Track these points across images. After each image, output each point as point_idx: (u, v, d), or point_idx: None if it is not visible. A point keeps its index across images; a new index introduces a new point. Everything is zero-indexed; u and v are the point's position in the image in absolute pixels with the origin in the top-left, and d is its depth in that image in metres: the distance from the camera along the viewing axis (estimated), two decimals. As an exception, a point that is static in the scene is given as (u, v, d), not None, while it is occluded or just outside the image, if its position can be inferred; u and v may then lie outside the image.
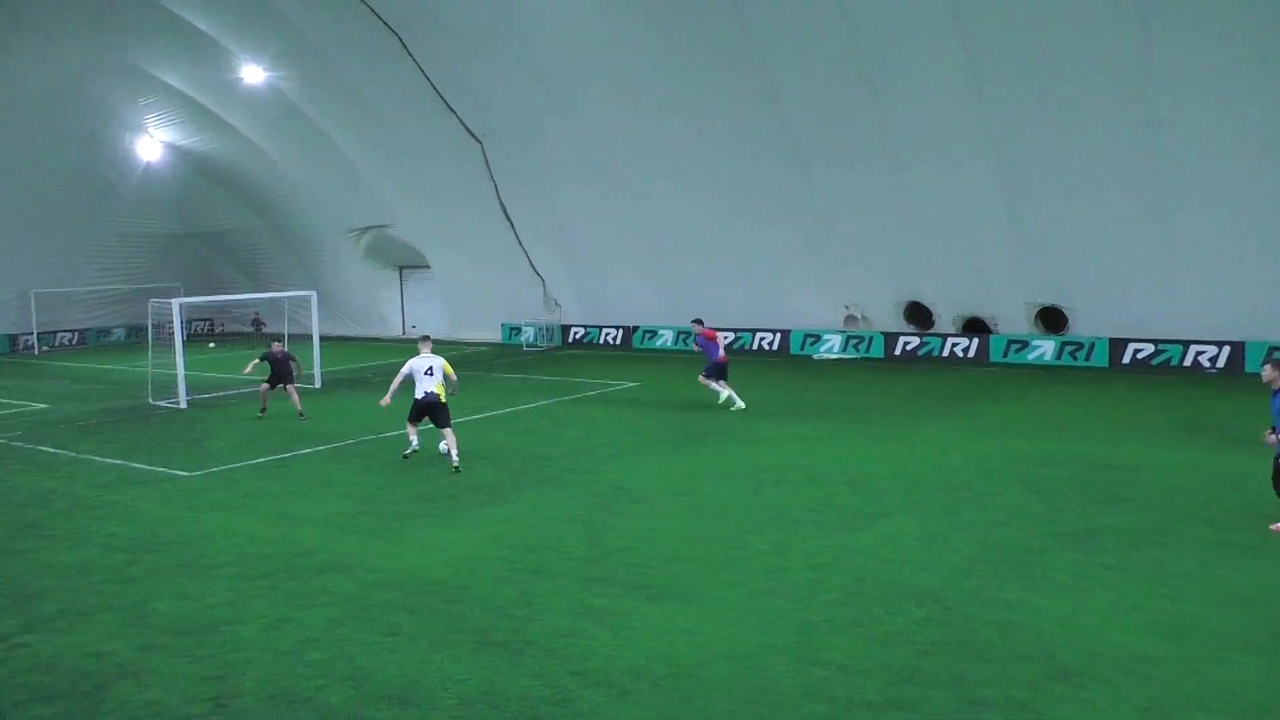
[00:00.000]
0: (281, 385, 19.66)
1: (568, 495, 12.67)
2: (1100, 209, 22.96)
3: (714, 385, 19.68)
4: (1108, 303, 24.46)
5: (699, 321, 20.52)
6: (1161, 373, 23.63)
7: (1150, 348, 24.23)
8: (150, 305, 26.44)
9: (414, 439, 14.83)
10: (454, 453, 14.13)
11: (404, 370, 14.52)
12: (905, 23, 21.95)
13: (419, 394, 14.31)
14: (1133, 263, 23.43)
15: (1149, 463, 13.79)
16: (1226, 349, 23.19)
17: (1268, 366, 10.39)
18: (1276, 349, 21.06)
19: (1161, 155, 21.54)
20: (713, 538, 10.56)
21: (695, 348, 20.74)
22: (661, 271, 31.41)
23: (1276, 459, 10.27)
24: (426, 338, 15.10)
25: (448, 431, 14.35)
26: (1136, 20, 19.76)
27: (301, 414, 19.33)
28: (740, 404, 19.26)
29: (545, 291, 34.91)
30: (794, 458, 14.70)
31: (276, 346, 20.15)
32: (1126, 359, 24.55)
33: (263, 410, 19.87)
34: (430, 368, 14.34)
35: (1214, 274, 22.59)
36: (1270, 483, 10.59)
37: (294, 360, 20.09)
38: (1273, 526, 10.24)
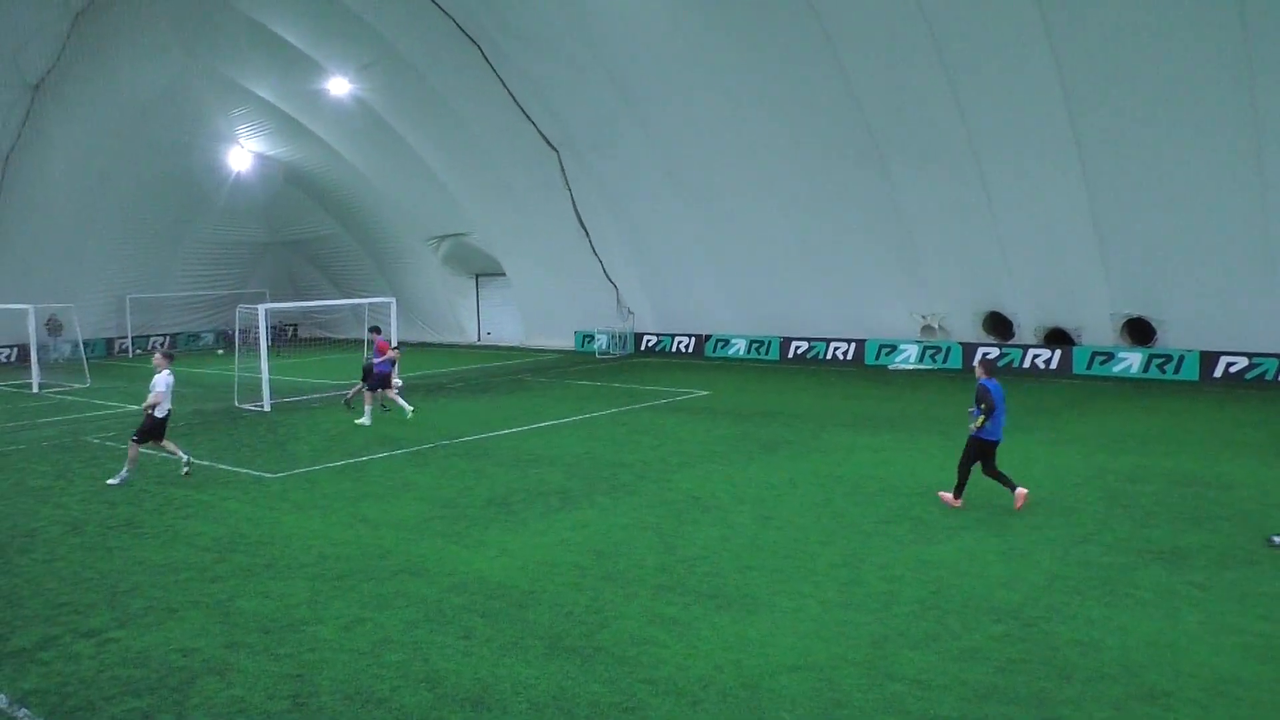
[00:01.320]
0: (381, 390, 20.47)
1: (639, 503, 12.70)
2: (1192, 217, 22.21)
3: (389, 396, 20.08)
4: (1198, 314, 23.63)
5: (376, 330, 20.93)
6: (1256, 387, 22.75)
7: (1244, 361, 23.34)
8: (238, 311, 27.24)
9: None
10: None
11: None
12: (990, 24, 21.52)
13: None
14: (1225, 273, 22.61)
15: (1241, 480, 13.28)
16: (1326, 362, 22.24)
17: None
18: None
19: (1257, 162, 20.74)
20: (784, 548, 10.48)
21: (375, 360, 20.18)
22: (735, 279, 31.32)
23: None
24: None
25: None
26: (1234, 20, 19.06)
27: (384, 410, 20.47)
28: (398, 411, 19.93)
29: (618, 299, 35.07)
30: (868, 469, 14.51)
31: (382, 341, 21.06)
32: (1218, 372, 23.69)
33: (347, 403, 21.40)
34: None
35: (1313, 284, 21.69)
36: None
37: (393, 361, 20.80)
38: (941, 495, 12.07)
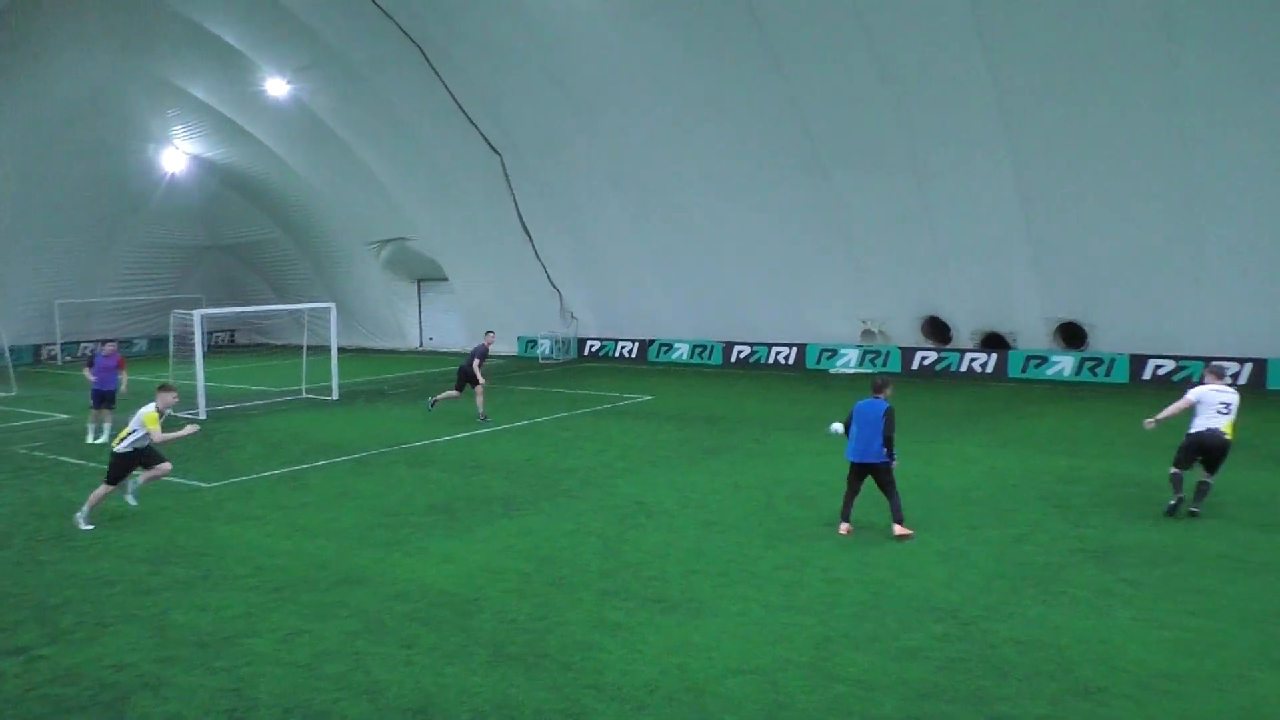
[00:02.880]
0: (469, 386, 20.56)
1: (583, 508, 12.67)
2: (1122, 224, 22.81)
3: (94, 422, 19.10)
4: (1128, 318, 24.28)
5: (104, 344, 20.43)
6: (1183, 389, 23.30)
7: (1171, 364, 24.02)
8: (172, 316, 26.66)
9: None
10: None
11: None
12: (928, 35, 21.90)
13: None
14: (1154, 278, 23.26)
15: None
16: (1249, 366, 22.97)
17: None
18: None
19: (1185, 170, 21.39)
20: (728, 552, 10.53)
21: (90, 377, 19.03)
22: (679, 284, 31.43)
23: None
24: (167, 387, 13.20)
25: None
26: (1162, 34, 19.63)
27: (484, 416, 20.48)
28: (97, 439, 18.64)
29: (562, 304, 34.99)
30: (810, 472, 14.65)
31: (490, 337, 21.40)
32: (1147, 375, 24.35)
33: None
34: None
35: (1237, 290, 22.39)
36: None
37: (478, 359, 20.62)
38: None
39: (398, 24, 28.52)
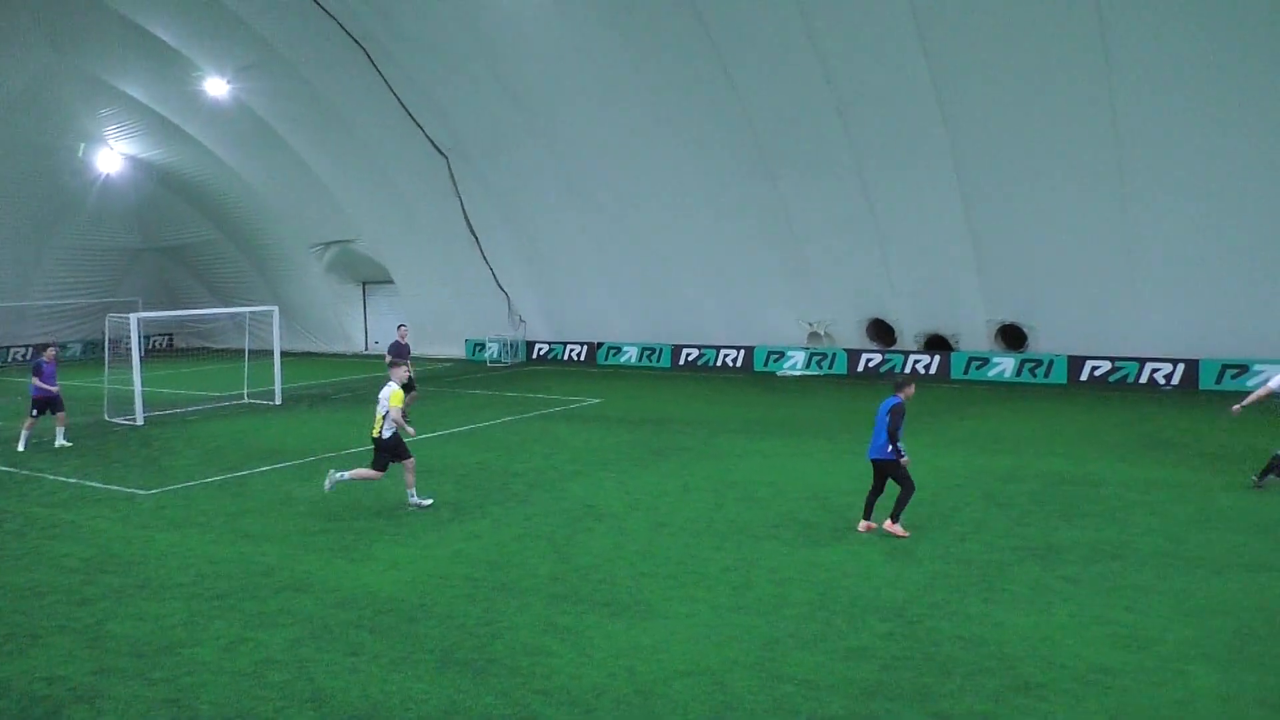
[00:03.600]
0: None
1: (532, 512, 12.61)
2: (1062, 228, 23.34)
3: (28, 429, 18.22)
4: (1067, 321, 24.84)
5: (44, 348, 18.98)
6: (1119, 389, 24.00)
7: (1107, 365, 24.61)
8: (107, 320, 26.04)
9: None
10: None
11: None
12: (872, 43, 22.21)
13: None
14: (1091, 282, 23.83)
15: (1108, 478, 13.98)
16: (1181, 366, 23.62)
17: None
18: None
19: (1123, 176, 21.95)
20: (677, 554, 10.55)
21: (38, 383, 18.11)
22: (628, 287, 31.46)
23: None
24: None
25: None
26: (1099, 42, 20.13)
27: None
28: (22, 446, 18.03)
29: (510, 307, 34.82)
30: (758, 474, 14.74)
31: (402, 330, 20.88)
32: (1085, 376, 24.92)
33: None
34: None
35: (1170, 293, 23.04)
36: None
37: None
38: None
39: (340, 24, 28.16)
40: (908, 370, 27.24)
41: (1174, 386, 23.63)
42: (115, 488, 14.74)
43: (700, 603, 8.98)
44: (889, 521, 11.19)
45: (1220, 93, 19.93)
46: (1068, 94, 21.25)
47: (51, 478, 15.62)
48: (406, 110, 30.49)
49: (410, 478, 12.86)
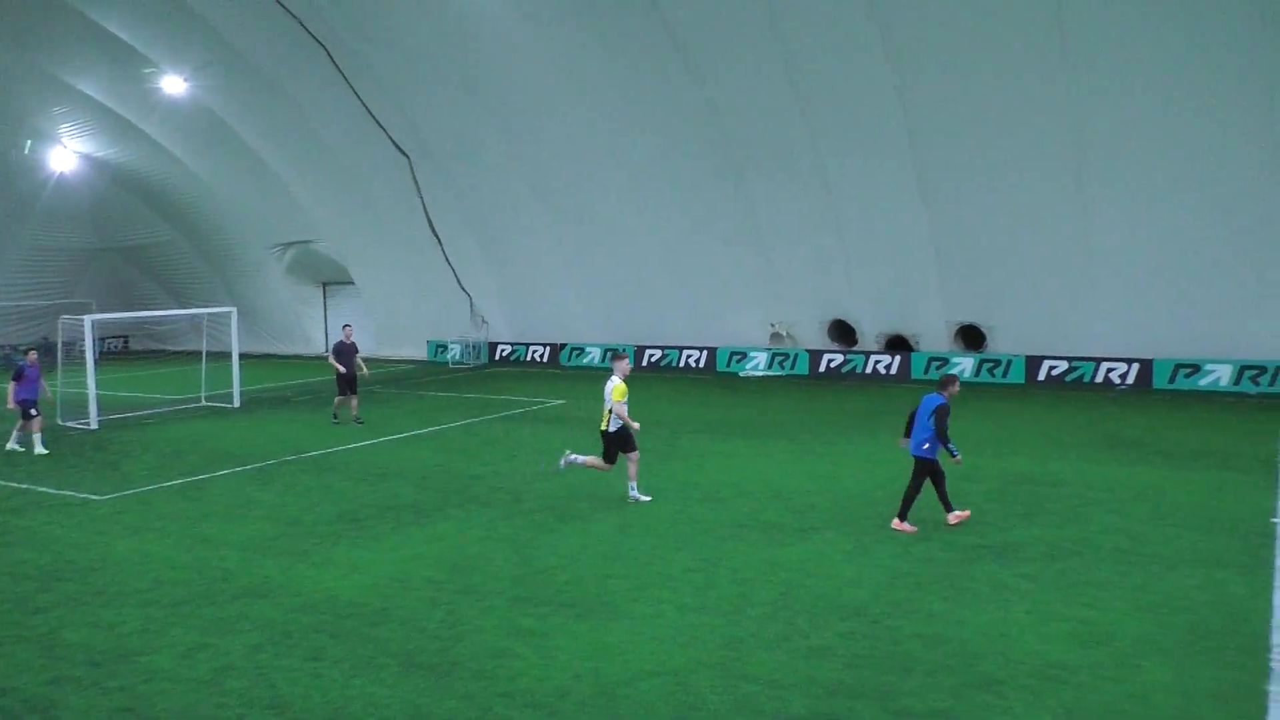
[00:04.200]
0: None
1: (495, 514, 12.56)
2: (1020, 230, 23.67)
3: (38, 430, 17.94)
4: (1024, 321, 25.20)
5: (33, 350, 18.63)
6: (1076, 389, 24.37)
7: (1064, 365, 24.99)
8: (60, 322, 25.57)
9: None
10: None
11: None
12: (834, 44, 22.35)
13: None
14: (1049, 283, 24.19)
15: (1066, 477, 14.18)
16: (1136, 366, 24.04)
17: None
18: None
19: (1079, 180, 22.31)
20: (640, 555, 10.56)
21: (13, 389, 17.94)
22: (592, 288, 31.42)
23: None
24: None
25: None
26: (1059, 45, 20.45)
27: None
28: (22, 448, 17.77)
29: (472, 308, 34.64)
30: (721, 474, 14.79)
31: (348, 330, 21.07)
32: (1042, 375, 25.27)
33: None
34: None
35: (1125, 295, 23.45)
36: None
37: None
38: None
39: (301, 23, 27.86)
40: (869, 371, 27.47)
41: (1129, 386, 24.05)
42: (69, 493, 14.48)
43: (664, 603, 8.99)
44: (951, 514, 11.45)
45: (1179, 95, 20.31)
46: (1027, 96, 21.55)
47: (3, 483, 15.31)
48: (368, 110, 30.24)
49: (633, 469, 13.08)
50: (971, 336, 26.79)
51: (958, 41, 21.31)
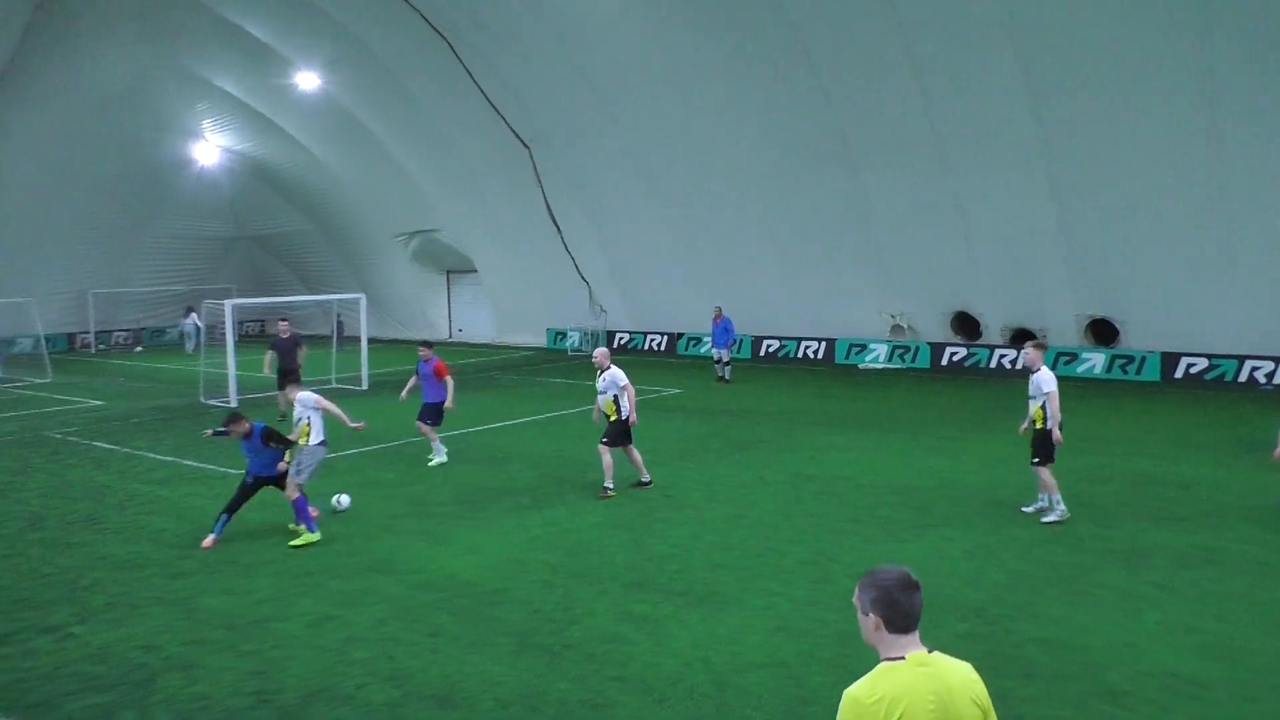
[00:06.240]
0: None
1: (611, 501, 12.70)
2: (1155, 219, 22.54)
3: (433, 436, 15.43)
4: (1161, 315, 23.98)
5: (428, 345, 15.77)
6: (1215, 388, 23.12)
7: (1204, 362, 23.71)
8: (203, 306, 26.95)
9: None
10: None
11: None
12: (958, 27, 21.70)
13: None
14: (1188, 275, 22.95)
15: (1199, 480, 13.50)
16: (1284, 365, 22.65)
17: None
18: None
19: (1220, 164, 21.10)
20: (754, 546, 10.53)
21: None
22: (708, 277, 31.33)
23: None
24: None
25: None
26: (1198, 25, 19.38)
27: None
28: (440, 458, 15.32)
29: (591, 296, 35.03)
30: (838, 468, 14.60)
31: (283, 326, 19.87)
32: (1179, 373, 24.05)
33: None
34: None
35: (1273, 287, 22.06)
36: None
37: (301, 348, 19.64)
38: None
39: (424, 16, 28.62)
40: (993, 365, 26.65)
41: (1275, 386, 22.67)
42: (209, 466, 15.29)
43: (777, 595, 8.95)
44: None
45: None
46: (1164, 78, 20.47)
47: (151, 456, 16.27)
48: (489, 101, 30.84)
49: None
50: (1103, 331, 25.69)
51: (1087, 20, 20.37)
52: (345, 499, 12.49)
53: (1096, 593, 8.94)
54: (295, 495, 11.11)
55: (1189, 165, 21.40)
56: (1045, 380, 11.49)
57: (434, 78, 30.83)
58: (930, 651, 3.31)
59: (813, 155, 26.19)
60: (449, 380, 15.07)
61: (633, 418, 13.36)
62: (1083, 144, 22.32)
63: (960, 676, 3.28)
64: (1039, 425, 11.49)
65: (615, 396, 13.36)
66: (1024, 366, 12.55)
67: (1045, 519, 11.30)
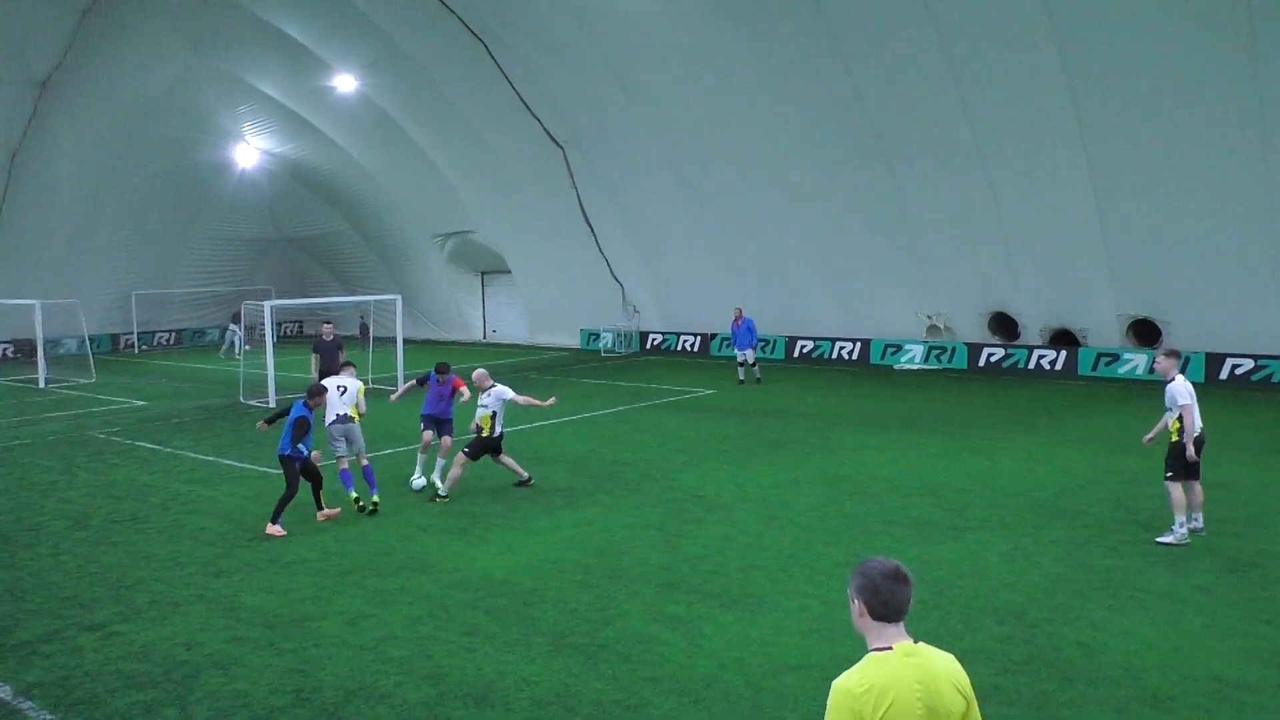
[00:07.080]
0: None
1: (644, 501, 12.71)
2: (1199, 217, 22.14)
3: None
4: (1204, 315, 23.55)
5: (445, 367, 14.78)
6: (1261, 389, 22.68)
7: (1250, 363, 23.28)
8: (243, 307, 27.29)
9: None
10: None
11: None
12: (996, 22, 21.44)
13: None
14: (1231, 274, 22.53)
15: (1244, 482, 13.26)
16: (1332, 365, 22.18)
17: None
18: None
19: (1265, 161, 20.68)
20: (788, 547, 10.49)
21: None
22: (742, 279, 31.25)
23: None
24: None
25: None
26: (1242, 18, 19.00)
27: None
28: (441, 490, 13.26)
29: (624, 297, 35.07)
30: (873, 468, 14.50)
31: (327, 328, 18.82)
32: (1224, 374, 23.63)
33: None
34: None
35: (1320, 286, 21.65)
36: None
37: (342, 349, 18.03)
38: None
39: (460, 18, 28.81)
40: (1031, 366, 26.34)
41: (1323, 387, 22.23)
42: (249, 466, 15.49)
43: (811, 597, 8.91)
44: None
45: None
46: (1208, 73, 20.10)
47: (192, 455, 16.51)
48: (524, 103, 30.97)
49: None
50: (1145, 331, 25.29)
51: (1128, 17, 20.05)
52: (421, 480, 13.75)
53: (1138, 596, 8.80)
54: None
55: (1233, 163, 21.01)
56: (1181, 392, 10.81)
57: (469, 79, 31.02)
58: (916, 643, 3.48)
59: (848, 154, 26.02)
60: (464, 391, 14.28)
61: (546, 402, 13.94)
62: (1125, 141, 21.98)
63: (944, 666, 3.46)
64: (1174, 439, 10.74)
65: (494, 413, 13.16)
66: (1157, 376, 11.70)
67: (1160, 539, 10.43)
